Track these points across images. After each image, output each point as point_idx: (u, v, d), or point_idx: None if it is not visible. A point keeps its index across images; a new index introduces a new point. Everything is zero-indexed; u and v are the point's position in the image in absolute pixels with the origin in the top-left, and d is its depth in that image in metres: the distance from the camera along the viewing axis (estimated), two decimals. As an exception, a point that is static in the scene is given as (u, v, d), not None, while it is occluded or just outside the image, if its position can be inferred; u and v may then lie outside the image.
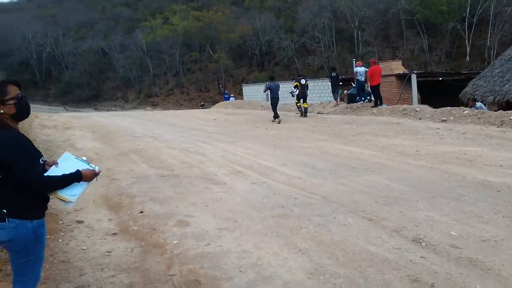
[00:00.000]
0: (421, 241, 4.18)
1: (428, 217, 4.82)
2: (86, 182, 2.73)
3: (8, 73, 55.80)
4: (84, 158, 2.84)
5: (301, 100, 16.92)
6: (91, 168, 2.76)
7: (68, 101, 65.07)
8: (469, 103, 17.54)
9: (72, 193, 2.65)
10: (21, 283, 2.55)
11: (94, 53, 68.71)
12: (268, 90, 16.40)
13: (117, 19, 74.78)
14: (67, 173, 2.62)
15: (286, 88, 25.22)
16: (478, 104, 15.87)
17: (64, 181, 2.60)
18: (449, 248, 3.98)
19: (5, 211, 2.42)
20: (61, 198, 2.64)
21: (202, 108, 39.96)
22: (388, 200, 5.52)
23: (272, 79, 17.55)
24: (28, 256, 2.53)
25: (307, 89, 17.25)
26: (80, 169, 2.68)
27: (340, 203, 5.49)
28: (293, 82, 17.72)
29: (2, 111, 2.48)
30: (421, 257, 3.82)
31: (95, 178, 2.78)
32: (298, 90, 16.74)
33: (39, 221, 2.58)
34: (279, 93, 16.30)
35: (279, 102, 16.44)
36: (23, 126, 12.71)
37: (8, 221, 2.43)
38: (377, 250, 4.02)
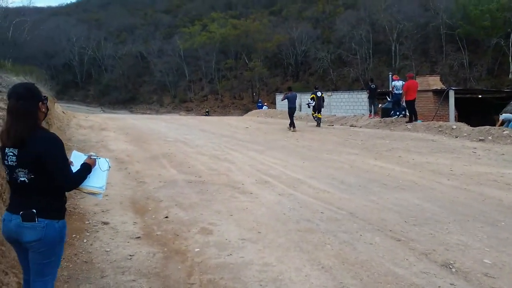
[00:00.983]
0: (451, 266, 3.98)
1: (460, 241, 4.61)
2: (105, 171, 2.83)
3: (52, 74, 57.82)
4: (94, 154, 2.89)
5: (316, 111, 18.22)
6: (92, 157, 2.81)
7: (106, 102, 66.85)
8: (496, 119, 16.99)
9: (98, 184, 2.77)
10: (41, 283, 2.54)
11: (133, 57, 70.48)
12: (286, 100, 17.41)
13: (157, 25, 76.58)
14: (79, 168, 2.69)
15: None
16: (504, 116, 15.32)
17: (83, 176, 2.67)
18: (481, 277, 3.77)
19: (34, 211, 2.44)
20: (91, 192, 2.75)
21: (207, 115, 39.65)
22: (418, 220, 5.32)
23: (290, 89, 18.72)
24: (51, 256, 2.54)
25: (323, 101, 18.53)
26: (83, 161, 2.75)
27: (367, 221, 5.33)
28: (310, 94, 19.07)
29: (43, 110, 2.55)
30: (451, 284, 3.64)
31: (108, 165, 2.87)
32: (314, 102, 18.03)
33: (63, 221, 2.60)
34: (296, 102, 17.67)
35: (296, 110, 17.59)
36: (61, 126, 13.09)
37: (38, 221, 2.44)
38: (403, 273, 3.86)
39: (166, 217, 5.55)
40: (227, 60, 60.35)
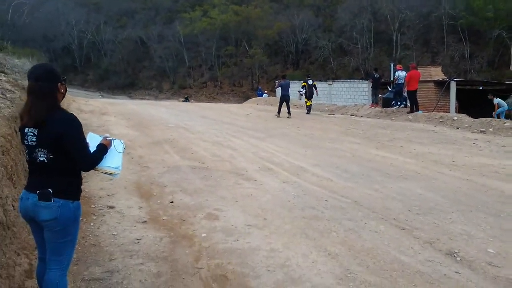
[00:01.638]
0: (455, 255, 4.03)
1: (463, 231, 4.65)
2: (120, 152, 2.90)
3: (51, 57, 57.42)
4: (109, 135, 2.94)
5: (308, 98, 18.90)
6: (108, 138, 2.87)
7: (105, 87, 66.47)
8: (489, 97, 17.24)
9: (114, 164, 2.83)
10: (56, 262, 2.60)
11: (132, 42, 69.86)
12: (280, 87, 18.02)
13: (158, 10, 75.75)
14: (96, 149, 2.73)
15: (320, 88, 25.06)
16: (497, 100, 15.43)
17: (100, 156, 2.72)
18: (485, 266, 3.83)
19: (50, 190, 2.49)
20: (108, 172, 2.82)
21: (186, 101, 38.68)
22: (421, 209, 5.37)
23: (284, 77, 19.37)
24: (67, 236, 2.60)
25: (315, 88, 18.88)
26: (99, 142, 2.79)
27: (371, 209, 5.37)
28: (301, 82, 19.99)
29: (62, 90, 2.60)
30: (456, 272, 3.69)
31: (123, 147, 2.95)
32: (305, 90, 18.67)
33: (78, 202, 2.66)
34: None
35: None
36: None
37: (53, 201, 2.50)
38: (409, 261, 3.91)
39: (171, 202, 5.58)
40: (227, 47, 59.93)
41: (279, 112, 17.37)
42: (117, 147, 2.88)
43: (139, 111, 17.59)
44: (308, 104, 18.82)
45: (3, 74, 5.86)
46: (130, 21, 73.16)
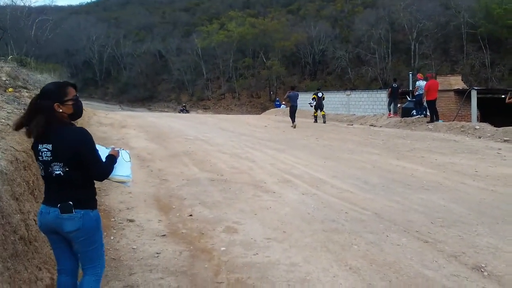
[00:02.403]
0: (482, 270, 3.91)
1: (490, 244, 4.51)
2: (128, 162, 3.03)
3: (72, 71, 58.69)
4: (113, 146, 3.07)
5: (318, 110, 20.40)
6: (115, 149, 3.01)
7: (124, 100, 67.46)
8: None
9: (125, 173, 2.97)
10: (92, 269, 2.73)
11: (151, 55, 70.97)
12: (288, 98, 19.06)
13: (175, 23, 77.00)
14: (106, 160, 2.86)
15: (338, 98, 24.96)
16: None
17: (112, 166, 2.84)
18: (514, 281, 3.70)
19: (71, 202, 2.59)
20: (119, 180, 2.96)
21: (184, 111, 37.30)
22: (445, 222, 5.24)
23: (292, 88, 20.31)
24: (93, 243, 2.72)
25: (323, 100, 20.56)
26: (107, 153, 2.92)
27: (393, 222, 5.27)
28: (312, 94, 21.61)
29: (60, 110, 2.63)
30: (483, 288, 3.58)
31: (129, 156, 3.09)
32: (315, 102, 20.20)
33: (96, 210, 2.77)
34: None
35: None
36: (82, 123, 13.25)
37: (74, 212, 2.60)
38: (433, 275, 3.80)
39: (191, 215, 5.57)
40: (244, 58, 60.33)
41: (293, 121, 18.04)
42: (124, 156, 3.01)
43: (158, 123, 17.75)
44: (322, 114, 20.21)
45: (25, 90, 5.98)
46: (149, 35, 74.49)
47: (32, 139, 2.66)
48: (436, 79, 17.14)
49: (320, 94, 20.35)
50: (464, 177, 7.73)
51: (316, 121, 20.25)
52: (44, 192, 2.75)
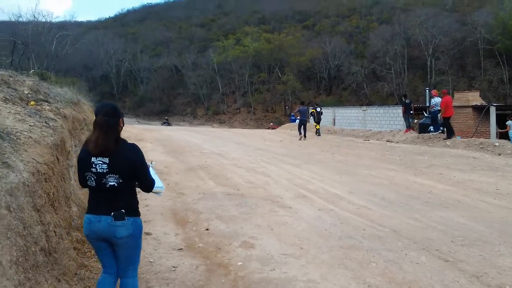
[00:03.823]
0: (505, 290, 3.81)
1: (513, 264, 4.41)
2: (155, 174, 3.28)
3: (90, 85, 59.60)
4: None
5: (316, 123, 21.98)
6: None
7: (141, 113, 68.22)
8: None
9: (159, 185, 3.24)
10: (133, 270, 3.05)
11: (167, 69, 71.87)
12: (299, 112, 20.00)
13: (192, 39, 77.98)
14: None
15: (354, 114, 24.86)
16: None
17: (152, 178, 3.13)
18: (539, 302, 3.59)
19: (123, 211, 2.86)
20: (156, 191, 3.22)
21: (166, 124, 39.90)
22: (465, 240, 5.13)
23: (302, 103, 22.65)
24: (138, 246, 3.04)
25: (321, 114, 22.27)
26: None
27: (412, 239, 5.18)
28: (311, 109, 23.21)
29: (122, 125, 3.01)
30: (506, 309, 3.48)
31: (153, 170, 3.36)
32: (314, 116, 21.96)
33: (141, 218, 3.07)
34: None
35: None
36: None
37: (126, 219, 2.87)
38: (455, 295, 3.72)
39: (207, 229, 5.56)
40: (260, 73, 60.68)
41: (303, 135, 18.94)
42: (153, 170, 3.29)
43: (174, 137, 17.89)
44: (317, 127, 21.69)
45: (46, 103, 6.08)
46: (165, 50, 75.53)
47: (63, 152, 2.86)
48: (449, 94, 16.99)
49: (318, 109, 21.98)
50: (484, 195, 7.59)
51: (318, 134, 21.42)
52: (90, 202, 2.97)
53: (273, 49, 57.95)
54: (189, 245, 4.98)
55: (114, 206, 2.85)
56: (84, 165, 2.89)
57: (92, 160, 2.84)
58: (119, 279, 3.08)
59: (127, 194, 2.93)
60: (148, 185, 3.06)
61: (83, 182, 2.99)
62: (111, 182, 2.82)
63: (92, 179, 2.86)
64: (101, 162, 2.82)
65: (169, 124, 42.04)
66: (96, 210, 2.89)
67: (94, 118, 2.94)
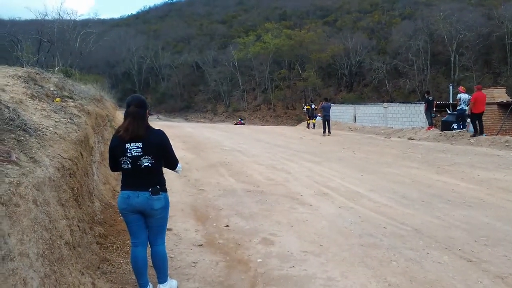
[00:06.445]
0: (530, 292, 3.73)
1: (538, 265, 4.31)
2: None
3: (112, 82, 60.53)
4: None
5: (310, 118, 25.48)
6: None
7: (162, 110, 68.91)
8: None
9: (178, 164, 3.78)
10: (162, 238, 3.62)
11: (188, 66, 72.38)
12: (322, 109, 20.59)
13: (212, 36, 78.32)
14: None
15: (375, 111, 24.59)
16: None
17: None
18: None
19: (158, 187, 3.40)
20: (177, 170, 3.74)
21: (158, 119, 41.15)
22: (489, 240, 5.04)
23: (326, 100, 22.52)
24: (167, 218, 3.63)
25: (316, 110, 25.13)
26: None
27: (434, 238, 5.11)
28: (305, 105, 28.21)
29: (148, 115, 3.52)
30: (531, 311, 3.41)
31: None
32: (308, 112, 25.51)
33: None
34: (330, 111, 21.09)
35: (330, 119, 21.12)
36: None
37: (161, 194, 3.42)
38: (478, 296, 3.66)
39: (227, 225, 5.60)
40: (280, 70, 60.58)
41: (324, 131, 19.92)
42: None
43: (195, 133, 18.03)
44: (313, 121, 25.09)
45: (71, 100, 6.20)
46: (187, 47, 76.10)
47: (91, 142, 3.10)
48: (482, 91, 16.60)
49: (313, 106, 25.62)
50: (509, 194, 7.42)
51: (313, 127, 24.79)
52: (126, 181, 3.42)
53: (293, 45, 57.79)
54: (209, 241, 5.02)
55: (149, 183, 3.37)
56: (119, 151, 3.34)
57: (126, 146, 3.30)
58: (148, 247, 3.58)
59: (158, 173, 3.44)
60: (175, 164, 3.61)
61: (114, 167, 3.50)
62: (145, 163, 3.32)
63: (128, 162, 3.33)
64: (135, 147, 3.30)
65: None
66: (134, 187, 3.36)
67: (126, 109, 3.40)
